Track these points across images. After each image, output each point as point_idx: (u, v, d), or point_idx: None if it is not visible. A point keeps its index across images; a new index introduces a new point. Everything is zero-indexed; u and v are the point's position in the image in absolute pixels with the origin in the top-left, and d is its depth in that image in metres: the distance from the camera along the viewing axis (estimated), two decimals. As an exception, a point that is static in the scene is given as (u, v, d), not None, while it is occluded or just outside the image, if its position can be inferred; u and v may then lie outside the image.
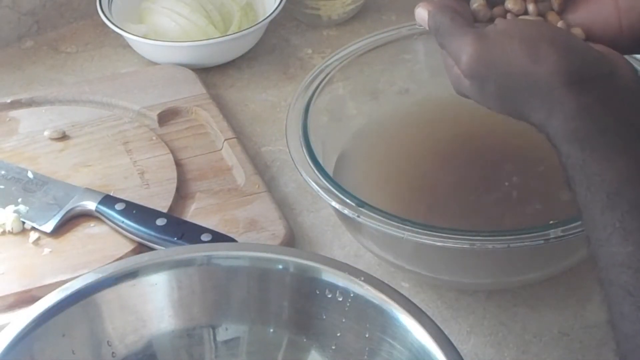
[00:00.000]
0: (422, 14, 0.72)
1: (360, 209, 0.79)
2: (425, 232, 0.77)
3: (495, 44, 0.67)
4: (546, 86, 0.64)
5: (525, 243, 0.76)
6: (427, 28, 0.71)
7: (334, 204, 0.80)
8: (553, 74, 0.64)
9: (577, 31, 0.71)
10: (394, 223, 0.78)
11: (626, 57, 0.68)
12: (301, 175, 0.83)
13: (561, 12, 0.72)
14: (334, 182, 0.82)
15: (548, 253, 0.81)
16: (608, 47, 0.68)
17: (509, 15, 0.72)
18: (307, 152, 0.84)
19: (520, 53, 0.65)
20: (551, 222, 0.76)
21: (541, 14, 0.72)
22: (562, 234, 0.76)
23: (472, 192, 0.89)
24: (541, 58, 0.65)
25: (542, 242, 0.76)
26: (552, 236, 0.76)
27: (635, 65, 0.84)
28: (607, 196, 0.60)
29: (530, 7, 0.72)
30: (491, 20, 0.71)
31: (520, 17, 0.72)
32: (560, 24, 0.71)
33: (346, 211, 0.79)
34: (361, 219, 0.79)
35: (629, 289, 0.58)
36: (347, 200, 0.80)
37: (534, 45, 0.65)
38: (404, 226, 0.77)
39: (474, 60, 0.67)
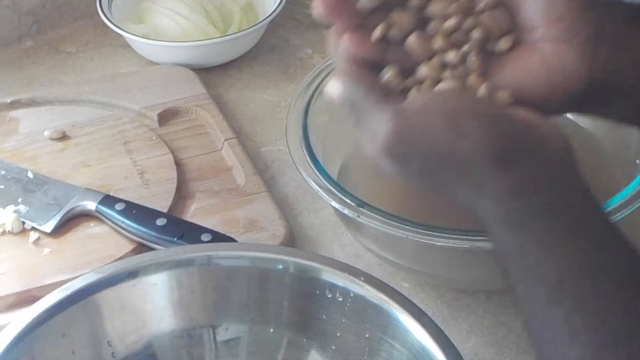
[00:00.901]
0: (337, 88, 0.62)
1: (360, 209, 0.79)
2: (425, 232, 0.77)
3: (415, 122, 0.60)
4: (472, 164, 0.58)
5: (525, 243, 0.76)
6: (340, 105, 0.62)
7: (334, 204, 0.80)
8: (478, 150, 0.58)
9: (503, 94, 0.62)
10: (394, 223, 0.78)
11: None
12: (301, 175, 0.83)
13: (484, 74, 0.63)
14: (334, 182, 0.82)
15: (548, 253, 0.81)
16: (536, 114, 0.60)
17: (423, 85, 0.63)
18: (307, 152, 0.84)
19: (442, 130, 0.59)
20: (551, 222, 0.76)
21: (462, 77, 0.63)
22: (562, 234, 0.75)
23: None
24: (464, 134, 0.58)
25: (542, 242, 0.76)
26: (552, 236, 0.75)
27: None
28: (549, 290, 0.56)
29: (447, 73, 0.63)
30: (404, 91, 0.63)
31: (438, 85, 0.63)
32: (483, 87, 0.62)
33: (346, 211, 0.79)
34: (361, 219, 0.79)
35: None
36: (347, 200, 0.80)
37: (455, 120, 0.59)
38: (404, 226, 0.77)
39: (393, 141, 0.60)
